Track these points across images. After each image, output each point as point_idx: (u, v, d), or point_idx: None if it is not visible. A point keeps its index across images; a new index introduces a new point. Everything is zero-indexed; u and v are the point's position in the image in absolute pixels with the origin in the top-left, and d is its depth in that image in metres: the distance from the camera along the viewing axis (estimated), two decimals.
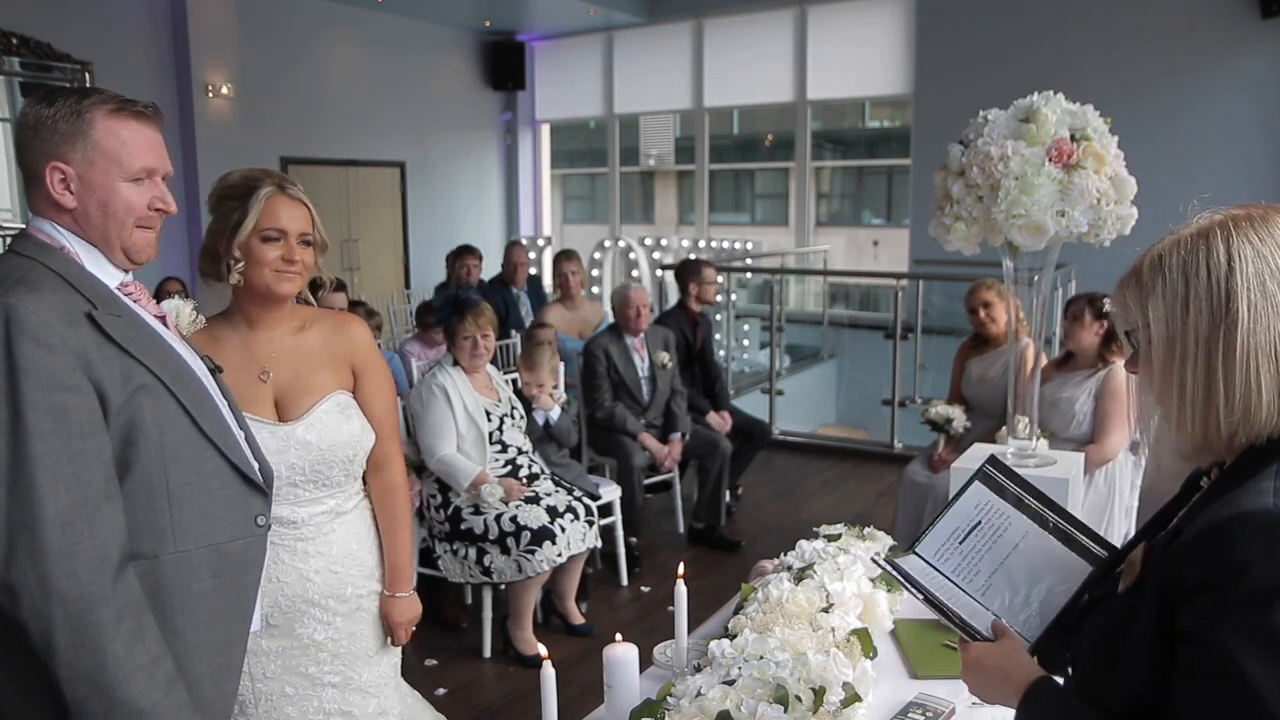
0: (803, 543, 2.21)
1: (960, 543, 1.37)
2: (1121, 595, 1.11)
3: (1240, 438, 1.04)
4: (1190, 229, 1.08)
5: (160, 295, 4.65)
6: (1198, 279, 1.04)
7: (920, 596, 1.31)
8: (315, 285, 2.07)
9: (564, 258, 5.81)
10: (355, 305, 5.32)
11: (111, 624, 1.32)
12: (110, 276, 1.49)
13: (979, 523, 1.38)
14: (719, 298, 8.49)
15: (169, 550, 1.45)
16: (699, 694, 1.58)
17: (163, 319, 1.58)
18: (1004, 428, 3.72)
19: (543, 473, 3.92)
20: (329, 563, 1.96)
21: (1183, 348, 1.05)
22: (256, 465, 1.62)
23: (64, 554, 1.30)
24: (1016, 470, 1.44)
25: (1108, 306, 3.80)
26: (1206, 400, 1.04)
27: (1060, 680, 1.20)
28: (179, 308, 1.71)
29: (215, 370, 1.66)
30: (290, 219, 1.90)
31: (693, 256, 7.09)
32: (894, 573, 1.33)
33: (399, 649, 2.11)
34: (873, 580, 2.08)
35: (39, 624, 1.29)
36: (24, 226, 1.49)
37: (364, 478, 2.07)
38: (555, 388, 4.27)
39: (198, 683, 1.46)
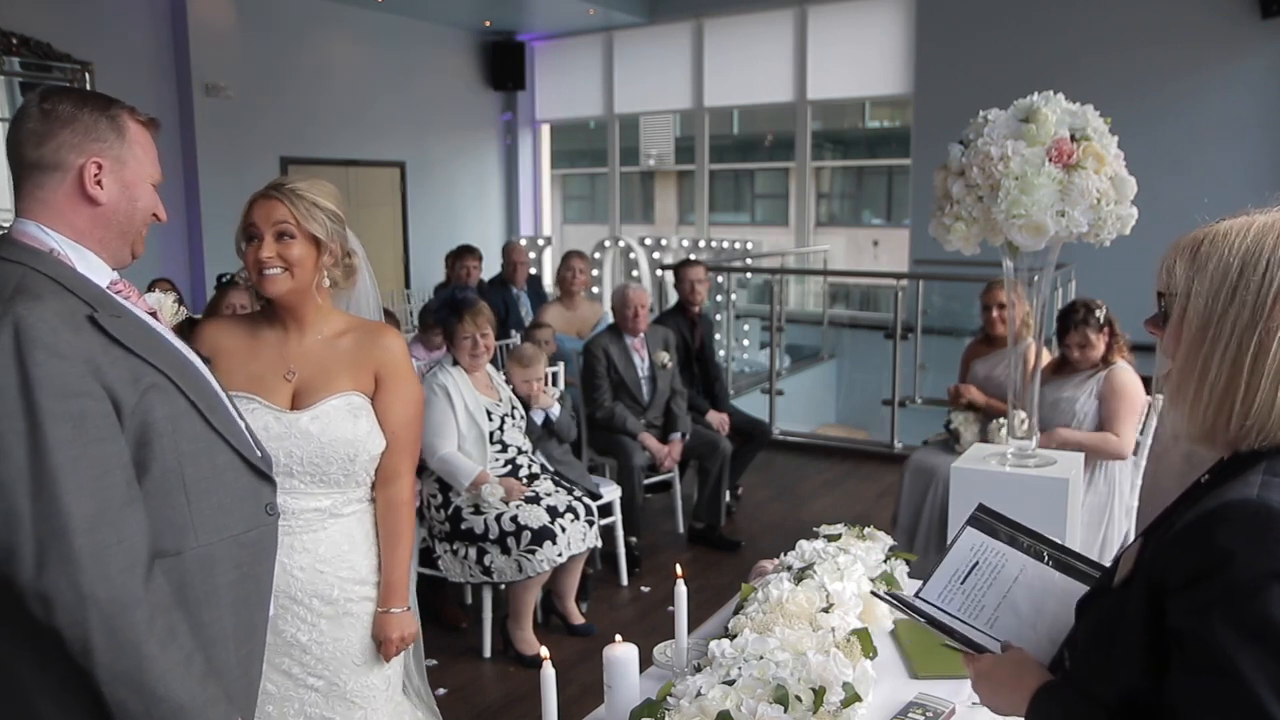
0: (803, 543, 2.21)
1: (962, 583, 1.39)
2: (1116, 590, 1.11)
3: (1249, 441, 1.03)
4: (1259, 217, 1.05)
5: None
6: (1254, 271, 1.01)
7: (922, 620, 1.32)
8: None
9: (574, 255, 5.83)
10: None
11: (145, 624, 1.33)
12: (100, 276, 1.48)
13: (977, 563, 1.41)
14: (718, 297, 8.57)
15: (191, 546, 1.47)
16: (699, 694, 1.58)
17: (153, 314, 1.58)
18: (1002, 429, 3.72)
19: (543, 472, 3.92)
20: (314, 560, 1.94)
21: (1216, 333, 1.02)
22: (259, 454, 1.63)
23: (94, 559, 1.30)
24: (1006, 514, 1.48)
25: (1101, 311, 3.80)
26: (1225, 393, 1.02)
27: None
28: (161, 301, 1.72)
29: (205, 360, 1.66)
30: (262, 216, 1.91)
31: (691, 257, 7.10)
32: (894, 602, 1.36)
33: (399, 664, 2.08)
34: (873, 580, 2.08)
35: (75, 630, 1.29)
36: (6, 230, 1.48)
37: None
38: (550, 384, 4.26)
39: (226, 672, 1.49)
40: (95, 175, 1.45)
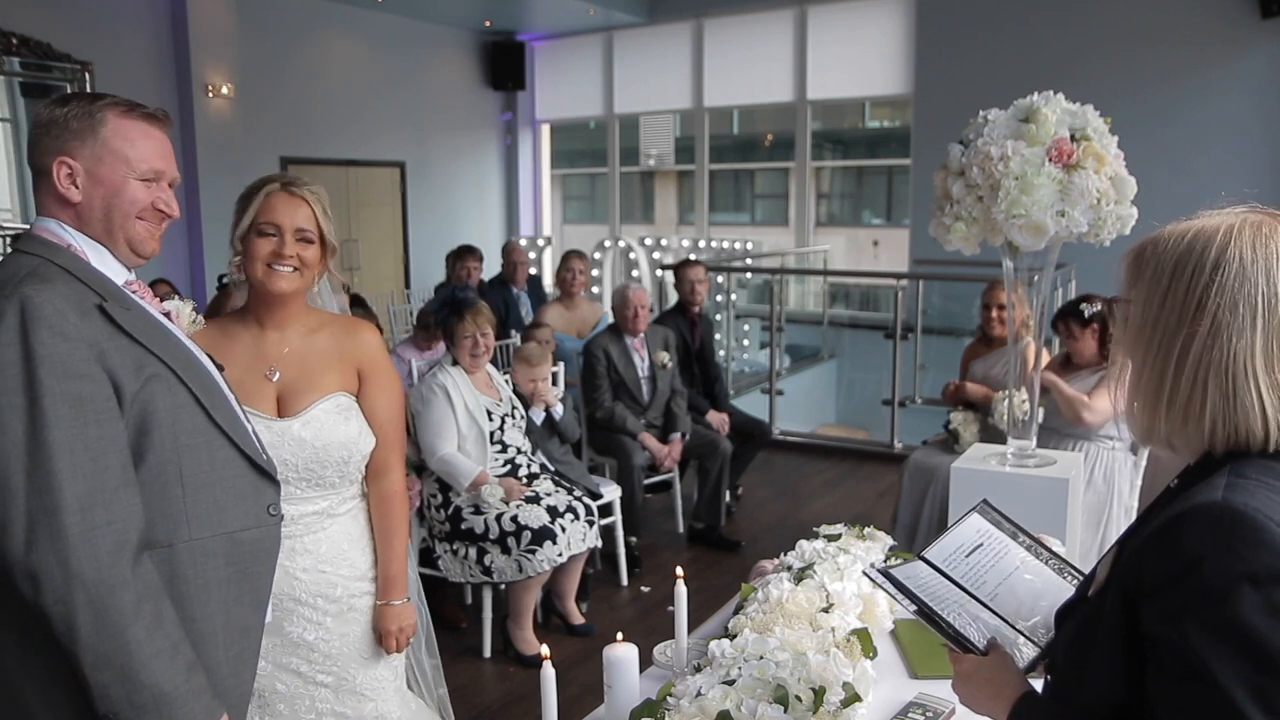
0: (803, 543, 2.21)
1: (967, 556, 1.41)
2: (1092, 599, 1.11)
3: (1180, 446, 1.04)
4: (1201, 221, 1.05)
5: None
6: (1180, 277, 1.02)
7: (912, 607, 1.31)
8: (356, 300, 2.05)
9: (574, 255, 5.84)
10: (354, 303, 5.31)
11: (132, 608, 1.33)
12: (116, 274, 1.50)
13: (981, 544, 1.43)
14: (718, 297, 8.57)
15: (184, 539, 1.47)
16: (699, 694, 1.58)
17: (167, 315, 1.60)
18: (1004, 402, 3.69)
19: (543, 472, 3.92)
20: (317, 561, 1.95)
21: (1149, 338, 1.04)
22: (265, 456, 1.63)
23: (84, 538, 1.31)
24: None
25: (1091, 307, 3.81)
26: (1154, 397, 1.04)
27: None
28: (179, 308, 1.72)
29: (219, 368, 1.67)
30: (287, 214, 1.90)
31: (691, 257, 7.11)
32: (886, 583, 1.33)
33: (402, 655, 2.09)
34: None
35: (61, 608, 1.30)
36: (29, 226, 1.51)
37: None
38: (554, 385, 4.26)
39: (214, 670, 1.48)
40: (66, 175, 1.46)
